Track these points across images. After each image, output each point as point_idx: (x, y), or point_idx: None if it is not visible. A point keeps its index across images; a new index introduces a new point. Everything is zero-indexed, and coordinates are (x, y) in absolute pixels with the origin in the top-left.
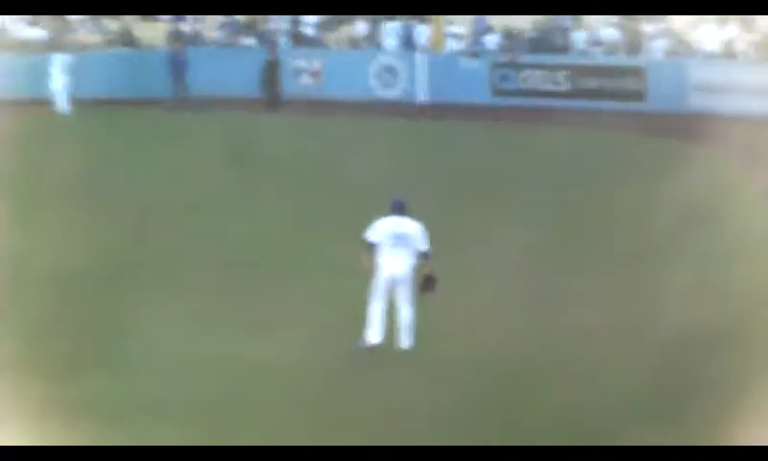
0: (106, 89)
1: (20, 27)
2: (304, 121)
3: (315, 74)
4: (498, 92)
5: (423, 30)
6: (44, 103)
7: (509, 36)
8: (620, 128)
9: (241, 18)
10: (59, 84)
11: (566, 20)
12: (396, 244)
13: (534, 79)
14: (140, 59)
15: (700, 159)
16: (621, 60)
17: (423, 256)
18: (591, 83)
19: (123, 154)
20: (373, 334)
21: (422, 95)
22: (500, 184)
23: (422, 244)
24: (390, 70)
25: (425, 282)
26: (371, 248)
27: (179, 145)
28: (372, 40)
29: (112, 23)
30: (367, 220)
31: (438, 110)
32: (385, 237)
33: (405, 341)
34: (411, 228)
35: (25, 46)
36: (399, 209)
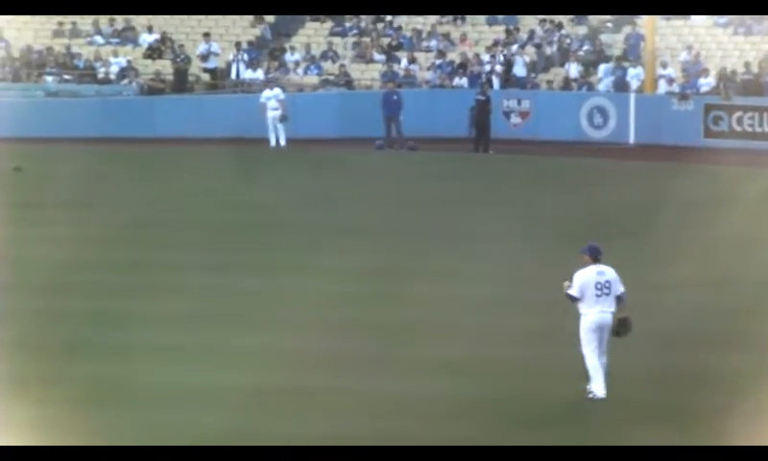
0: (320, 128)
1: (240, 68)
2: (513, 160)
3: (524, 114)
4: (710, 134)
5: (636, 72)
6: (262, 140)
7: (722, 77)
8: None
9: (455, 61)
10: (272, 120)
11: None
12: (602, 293)
13: (747, 121)
14: (355, 99)
15: None
16: None
17: (619, 300)
18: None
19: (329, 188)
20: (601, 387)
21: (633, 136)
22: (709, 225)
23: (620, 287)
24: (601, 111)
25: (622, 325)
26: (575, 301)
27: (385, 180)
28: (584, 82)
29: (329, 64)
30: (566, 258)
31: (649, 151)
32: (591, 288)
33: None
34: (611, 274)
35: (243, 87)
36: (598, 255)
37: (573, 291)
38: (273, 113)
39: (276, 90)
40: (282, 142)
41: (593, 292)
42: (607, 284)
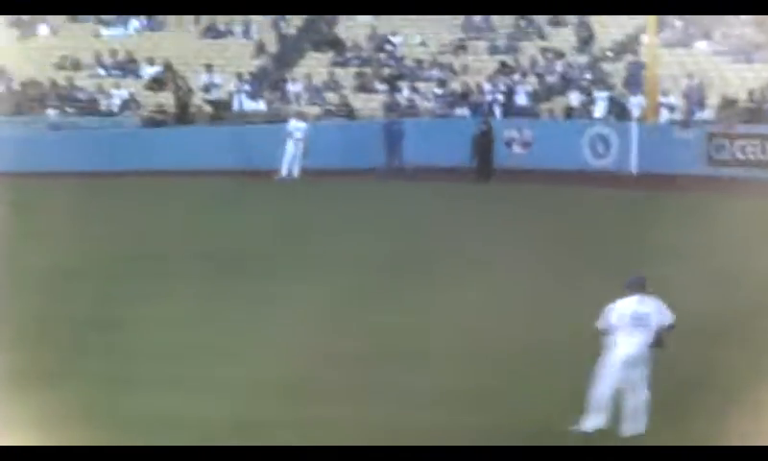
0: (323, 159)
1: (242, 99)
2: (516, 190)
3: (526, 144)
4: (713, 162)
5: (637, 100)
6: (267, 172)
7: (724, 106)
8: None
9: (456, 89)
10: (290, 152)
11: None
12: (637, 325)
13: (749, 149)
14: (357, 129)
15: None
16: None
17: (669, 328)
18: None
19: (334, 221)
20: (598, 420)
21: (635, 165)
22: (715, 256)
23: (667, 318)
24: (603, 140)
25: (657, 341)
26: (605, 332)
27: (386, 213)
28: (585, 110)
29: (331, 95)
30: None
31: (651, 180)
32: (625, 319)
33: (632, 427)
34: (652, 306)
35: (245, 118)
36: (641, 288)
37: (608, 318)
38: (294, 144)
39: (303, 124)
40: (295, 173)
41: (629, 322)
42: (645, 316)
